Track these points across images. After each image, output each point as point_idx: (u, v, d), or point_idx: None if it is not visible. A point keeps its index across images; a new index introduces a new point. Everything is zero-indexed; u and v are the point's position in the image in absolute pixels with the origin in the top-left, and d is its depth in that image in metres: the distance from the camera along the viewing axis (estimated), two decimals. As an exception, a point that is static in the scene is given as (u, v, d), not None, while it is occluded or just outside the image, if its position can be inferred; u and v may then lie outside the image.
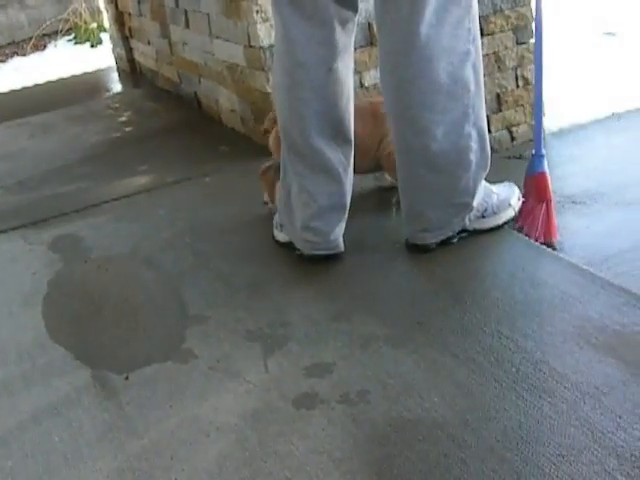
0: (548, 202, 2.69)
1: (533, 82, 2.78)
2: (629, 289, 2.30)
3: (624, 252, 2.59)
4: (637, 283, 2.37)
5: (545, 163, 2.70)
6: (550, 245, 2.65)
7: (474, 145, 2.53)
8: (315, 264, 2.68)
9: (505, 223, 2.72)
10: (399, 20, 2.39)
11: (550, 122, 3.79)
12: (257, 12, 3.49)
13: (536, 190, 2.70)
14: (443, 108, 2.45)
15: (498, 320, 2.23)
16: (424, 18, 2.35)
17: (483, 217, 2.66)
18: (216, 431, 1.97)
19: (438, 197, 2.57)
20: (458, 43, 2.42)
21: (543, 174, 2.70)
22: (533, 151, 2.71)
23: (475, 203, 2.61)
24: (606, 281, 2.36)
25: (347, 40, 2.54)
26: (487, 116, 3.37)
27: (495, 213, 2.68)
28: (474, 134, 2.52)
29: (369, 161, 2.91)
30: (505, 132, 3.64)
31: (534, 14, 2.65)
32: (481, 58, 2.51)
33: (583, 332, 2.13)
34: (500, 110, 3.60)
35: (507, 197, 2.74)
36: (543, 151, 2.70)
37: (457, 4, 2.39)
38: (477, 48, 2.48)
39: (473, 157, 2.54)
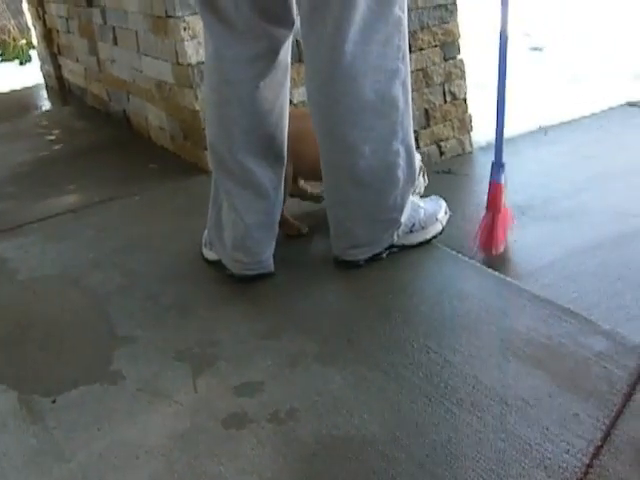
0: (495, 212, 2.70)
1: (496, 90, 2.83)
2: (555, 301, 2.33)
3: (551, 265, 2.62)
4: (563, 295, 2.41)
5: (501, 173, 2.71)
6: (488, 255, 2.67)
7: (402, 162, 2.54)
8: (244, 282, 2.67)
9: (433, 237, 2.74)
10: (324, 38, 2.38)
11: (478, 137, 3.84)
12: (184, 29, 3.47)
13: (487, 198, 2.73)
14: (370, 125, 2.45)
15: (427, 335, 2.24)
16: (349, 36, 2.35)
17: (411, 232, 2.67)
18: (145, 454, 1.94)
19: (366, 213, 2.58)
20: (386, 61, 2.42)
21: (496, 184, 2.71)
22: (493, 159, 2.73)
23: (403, 219, 2.62)
24: (532, 294, 2.39)
25: (279, 57, 2.53)
26: (416, 131, 3.42)
27: (423, 228, 2.70)
28: (402, 151, 2.53)
29: None
30: (434, 147, 3.67)
31: (500, 24, 2.65)
32: (409, 75, 2.52)
33: (510, 345, 2.15)
34: (429, 125, 3.63)
35: (434, 212, 2.76)
36: (502, 160, 2.72)
37: (385, 22, 2.39)
38: (407, 66, 2.48)
39: (401, 174, 2.55)
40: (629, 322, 2.27)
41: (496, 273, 2.55)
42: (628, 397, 1.92)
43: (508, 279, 2.50)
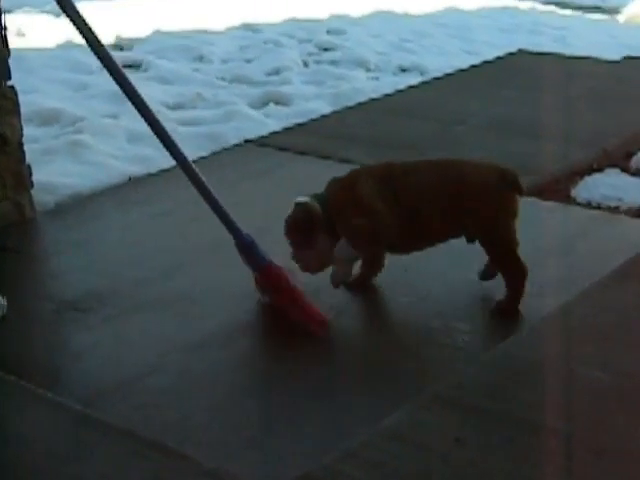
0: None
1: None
2: (138, 433, 1.95)
3: (134, 381, 2.19)
4: (149, 424, 2.00)
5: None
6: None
7: None
8: None
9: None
10: None
11: (44, 196, 3.18)
12: None
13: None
14: None
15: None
16: None
17: None
18: None
19: None
20: None
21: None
22: None
23: None
24: (108, 424, 2.00)
25: None
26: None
27: None
28: None
29: None
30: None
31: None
32: None
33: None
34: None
35: None
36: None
37: None
38: None
39: None
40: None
41: (62, 400, 2.09)
42: None
43: (77, 407, 2.07)
